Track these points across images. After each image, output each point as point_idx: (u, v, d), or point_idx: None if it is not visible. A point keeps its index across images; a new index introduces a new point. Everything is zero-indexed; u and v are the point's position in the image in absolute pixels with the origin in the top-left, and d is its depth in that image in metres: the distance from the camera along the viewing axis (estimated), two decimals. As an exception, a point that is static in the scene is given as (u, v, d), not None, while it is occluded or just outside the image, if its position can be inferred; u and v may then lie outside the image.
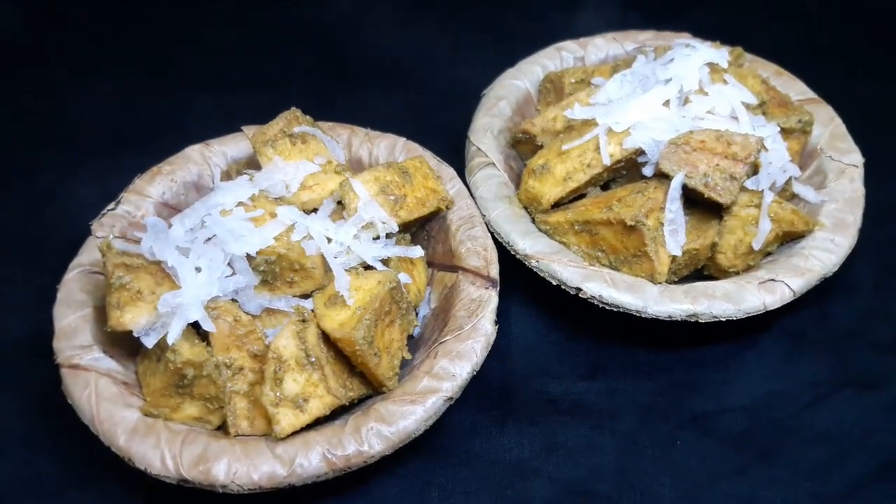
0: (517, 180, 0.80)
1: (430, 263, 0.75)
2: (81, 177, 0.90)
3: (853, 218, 0.74)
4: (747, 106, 0.75)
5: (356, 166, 0.79)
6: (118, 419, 0.60)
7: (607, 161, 0.72)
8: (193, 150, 0.78)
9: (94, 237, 0.71)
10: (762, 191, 0.71)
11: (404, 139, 0.79)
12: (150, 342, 0.60)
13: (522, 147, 0.82)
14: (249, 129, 0.79)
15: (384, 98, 1.01)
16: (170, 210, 0.75)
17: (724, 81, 0.75)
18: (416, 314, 0.71)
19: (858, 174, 0.77)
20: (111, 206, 0.73)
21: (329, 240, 0.65)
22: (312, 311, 0.63)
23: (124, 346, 0.66)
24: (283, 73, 1.05)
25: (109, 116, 0.98)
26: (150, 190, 0.75)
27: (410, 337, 0.70)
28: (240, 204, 0.64)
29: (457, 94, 0.94)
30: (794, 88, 0.85)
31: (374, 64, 1.06)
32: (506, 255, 0.73)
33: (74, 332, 0.65)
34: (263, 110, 0.78)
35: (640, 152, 0.72)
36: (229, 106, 0.99)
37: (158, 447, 0.59)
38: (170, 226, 0.63)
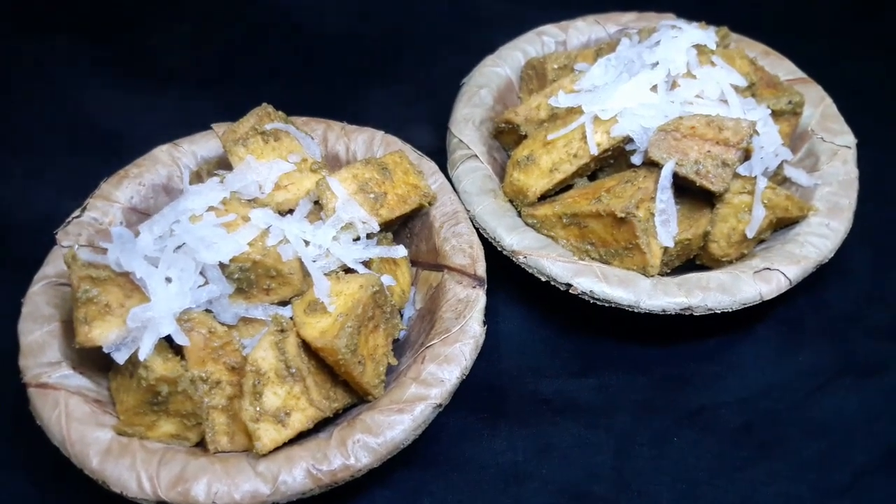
0: (501, 172, 0.77)
1: (413, 262, 0.72)
2: (45, 182, 0.86)
3: (848, 201, 0.72)
4: (736, 88, 0.72)
5: (333, 162, 0.76)
6: (91, 440, 0.57)
7: (595, 150, 0.69)
8: (161, 151, 0.75)
9: (60, 247, 0.68)
10: (755, 177, 0.68)
11: (382, 133, 0.76)
12: (121, 358, 0.57)
13: (505, 137, 0.79)
14: (220, 127, 0.76)
15: (360, 90, 0.97)
16: (139, 215, 0.72)
17: (713, 63, 0.73)
18: (401, 316, 0.69)
19: (851, 155, 0.75)
20: (77, 213, 0.70)
21: (307, 243, 0.62)
22: (291, 319, 0.60)
23: (95, 361, 0.62)
24: (252, 66, 1.01)
25: (73, 117, 0.94)
26: (117, 195, 0.71)
27: (396, 340, 0.67)
28: (210, 209, 0.60)
29: (435, 83, 0.90)
30: (783, 68, 0.83)
31: (347, 54, 1.02)
32: (492, 250, 0.71)
33: (41, 349, 0.62)
34: (234, 106, 0.75)
35: (628, 140, 0.69)
36: (198, 103, 0.95)
37: (134, 468, 0.56)
38: (137, 234, 0.60)
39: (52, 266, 0.67)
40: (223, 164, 0.74)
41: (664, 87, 0.70)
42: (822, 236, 0.70)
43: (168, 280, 0.58)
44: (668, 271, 0.71)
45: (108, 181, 0.72)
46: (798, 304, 0.75)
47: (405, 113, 0.92)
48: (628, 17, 0.87)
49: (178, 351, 0.59)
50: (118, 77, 0.99)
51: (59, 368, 0.61)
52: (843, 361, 0.72)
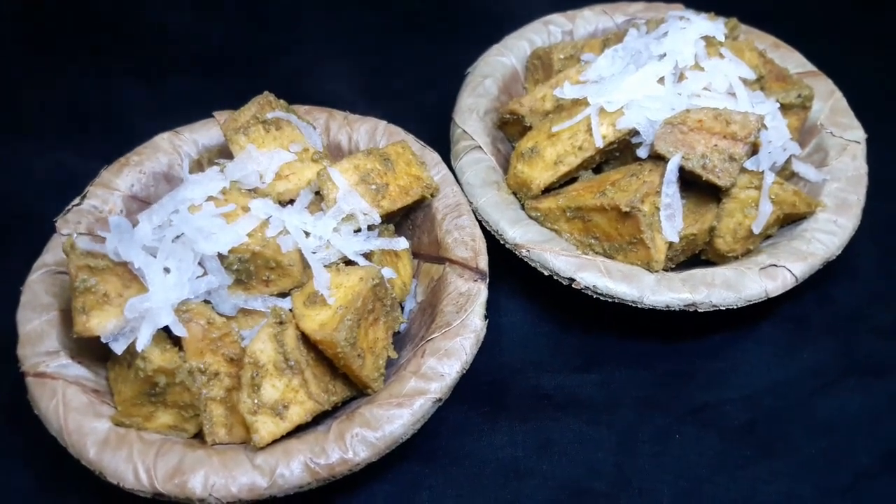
0: (505, 164, 0.76)
1: (415, 254, 0.71)
2: (46, 169, 0.85)
3: (856, 197, 0.71)
4: (745, 81, 0.71)
5: (335, 152, 0.75)
6: (88, 430, 0.57)
7: (600, 143, 0.68)
8: (163, 139, 0.74)
9: (59, 235, 0.67)
10: (762, 172, 0.67)
11: (385, 122, 0.75)
12: (119, 348, 0.57)
13: (510, 128, 0.78)
14: (221, 115, 0.75)
15: (364, 78, 0.96)
16: (139, 203, 0.71)
17: (721, 56, 0.72)
18: (402, 309, 0.68)
19: (861, 151, 0.74)
20: (76, 200, 0.69)
21: (307, 234, 0.61)
22: (291, 310, 0.60)
23: (94, 350, 0.62)
24: (255, 53, 1.00)
25: (75, 102, 0.93)
26: (117, 182, 0.71)
27: (396, 333, 0.67)
28: (210, 198, 0.60)
29: (441, 72, 0.89)
30: (793, 61, 0.82)
31: (351, 41, 1.01)
32: (495, 242, 0.70)
33: (40, 338, 0.61)
34: (237, 94, 0.74)
35: (634, 133, 0.68)
36: (201, 90, 0.94)
37: (131, 460, 0.56)
38: (136, 223, 0.59)
39: (52, 254, 0.66)
40: (224, 152, 0.73)
41: (671, 79, 0.69)
42: (829, 233, 0.69)
43: (166, 270, 0.57)
44: (673, 266, 0.70)
45: (108, 169, 0.72)
46: (804, 301, 0.74)
47: (410, 102, 0.91)
48: (636, 7, 0.86)
49: (176, 342, 0.58)
50: (121, 63, 0.98)
51: (58, 358, 0.61)
52: (848, 360, 0.71)
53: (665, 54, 0.70)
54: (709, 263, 0.71)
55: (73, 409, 0.58)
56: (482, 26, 0.92)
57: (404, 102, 0.91)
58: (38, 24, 1.02)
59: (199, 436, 0.60)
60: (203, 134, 0.75)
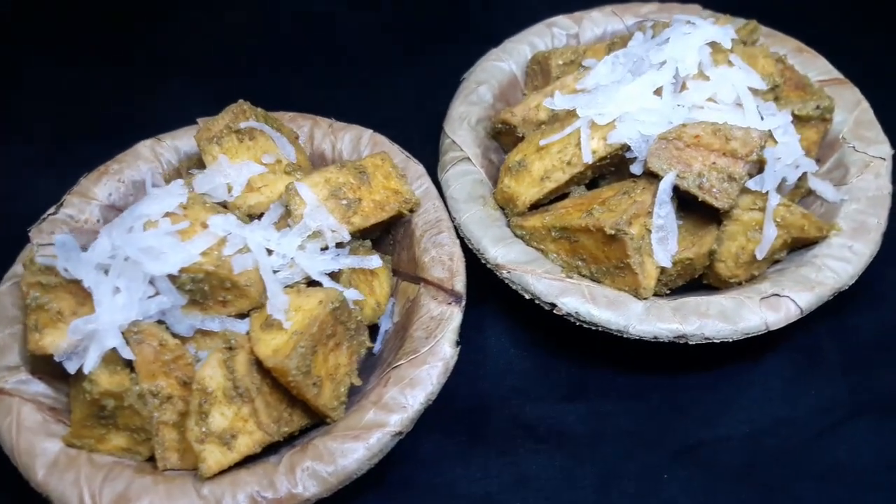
0: (497, 176, 0.72)
1: (395, 272, 0.68)
2: (28, 173, 0.83)
3: (876, 220, 0.65)
4: (756, 91, 0.65)
5: (319, 161, 0.72)
6: (38, 451, 0.56)
7: (589, 158, 0.64)
8: (144, 147, 0.72)
9: (33, 245, 0.66)
10: (767, 192, 0.62)
11: (370, 131, 0.72)
12: (72, 367, 0.55)
13: (504, 138, 0.74)
14: (205, 122, 0.72)
15: (362, 82, 0.93)
16: (116, 213, 0.69)
17: (730, 63, 0.66)
18: (378, 329, 0.65)
19: (885, 168, 0.68)
20: (52, 209, 0.68)
21: (270, 252, 0.58)
22: (247, 333, 0.57)
23: (55, 366, 0.60)
24: (247, 57, 0.97)
25: (62, 105, 0.91)
26: (95, 191, 0.69)
27: (371, 354, 0.63)
28: (167, 214, 0.57)
29: (441, 78, 0.85)
30: (816, 67, 0.75)
31: (350, 46, 0.97)
32: (480, 261, 0.66)
33: (1, 352, 0.60)
34: (226, 98, 0.71)
35: (627, 148, 0.63)
36: (195, 94, 0.91)
37: (77, 484, 0.54)
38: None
39: (22, 265, 0.65)
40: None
41: (671, 89, 0.64)
42: (842, 260, 0.63)
43: (117, 290, 0.55)
44: (668, 291, 0.65)
45: (87, 177, 0.70)
46: (814, 331, 0.68)
47: (407, 109, 0.87)
48: (648, 8, 0.80)
49: (129, 363, 0.56)
50: (113, 66, 0.96)
51: (17, 373, 0.59)
52: (861, 397, 0.65)
53: (665, 62, 0.65)
54: (711, 288, 0.66)
55: (26, 429, 0.56)
56: (487, 27, 0.87)
57: (402, 110, 0.87)
58: (27, 27, 1.00)
59: (153, 459, 0.58)
60: (185, 141, 0.72)
